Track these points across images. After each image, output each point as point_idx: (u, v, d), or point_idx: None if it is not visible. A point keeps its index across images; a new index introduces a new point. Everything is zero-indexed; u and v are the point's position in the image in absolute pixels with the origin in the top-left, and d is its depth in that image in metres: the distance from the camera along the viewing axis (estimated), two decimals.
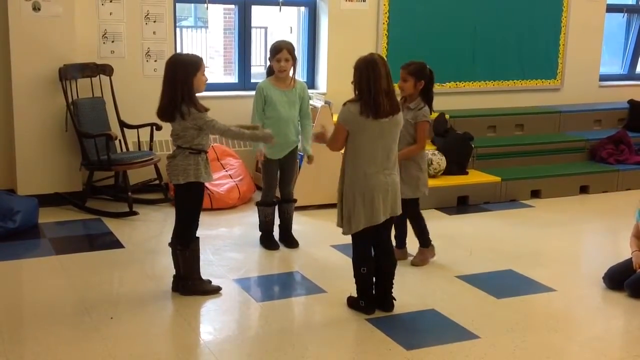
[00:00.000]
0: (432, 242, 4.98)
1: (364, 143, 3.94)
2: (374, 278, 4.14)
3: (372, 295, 4.15)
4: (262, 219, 5.23)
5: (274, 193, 5.20)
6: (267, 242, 5.21)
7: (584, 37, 8.22)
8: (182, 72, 4.06)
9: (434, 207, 6.28)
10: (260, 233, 5.27)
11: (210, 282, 4.44)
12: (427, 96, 4.72)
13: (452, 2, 7.51)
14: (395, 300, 4.19)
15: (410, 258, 4.99)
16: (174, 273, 4.37)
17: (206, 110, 4.14)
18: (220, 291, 4.38)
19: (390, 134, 3.99)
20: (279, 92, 4.99)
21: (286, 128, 5.02)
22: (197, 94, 4.14)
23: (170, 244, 4.34)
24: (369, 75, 3.87)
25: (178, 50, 6.92)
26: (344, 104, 3.99)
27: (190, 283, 4.32)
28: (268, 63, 5.11)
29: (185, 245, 4.28)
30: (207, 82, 4.23)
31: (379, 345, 3.78)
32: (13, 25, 5.76)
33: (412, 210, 4.83)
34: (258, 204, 5.23)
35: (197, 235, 4.34)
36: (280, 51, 4.91)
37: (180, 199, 4.29)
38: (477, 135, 7.07)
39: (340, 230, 4.13)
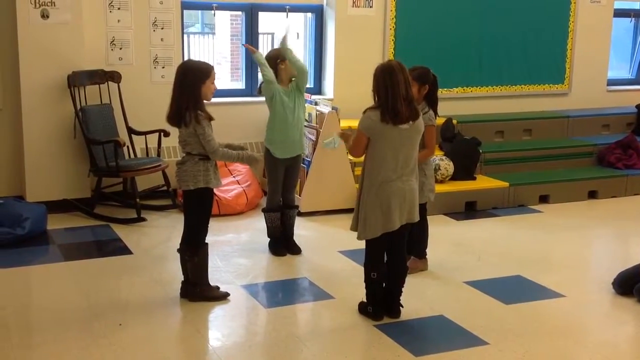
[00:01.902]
0: (427, 257, 4.96)
1: (384, 150, 3.95)
2: (384, 284, 4.14)
3: (381, 302, 4.14)
4: (269, 225, 5.24)
5: (279, 198, 5.22)
6: (275, 247, 5.22)
7: (592, 42, 8.20)
8: (191, 79, 4.08)
9: (441, 212, 6.27)
10: (269, 239, 5.28)
11: (218, 288, 4.44)
12: (431, 101, 4.71)
13: (459, 8, 7.51)
14: (402, 307, 4.18)
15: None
16: (183, 279, 4.38)
17: (210, 119, 4.15)
18: (229, 297, 4.39)
19: (410, 140, 4.00)
20: (284, 91, 5.06)
21: (292, 128, 5.07)
22: (205, 102, 4.16)
23: (179, 250, 4.35)
24: (386, 82, 3.90)
25: (185, 57, 6.94)
26: (364, 112, 4.01)
27: (198, 289, 4.32)
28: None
29: (194, 251, 4.28)
30: (216, 89, 4.25)
31: (388, 352, 3.77)
32: (22, 32, 5.79)
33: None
34: (264, 210, 5.25)
35: (206, 241, 4.34)
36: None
37: (190, 205, 4.29)
38: (485, 140, 7.06)
39: (348, 235, 4.14)
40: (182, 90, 4.08)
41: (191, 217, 4.30)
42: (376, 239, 4.03)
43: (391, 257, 4.14)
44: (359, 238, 4.11)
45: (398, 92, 3.88)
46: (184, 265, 4.34)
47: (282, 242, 5.25)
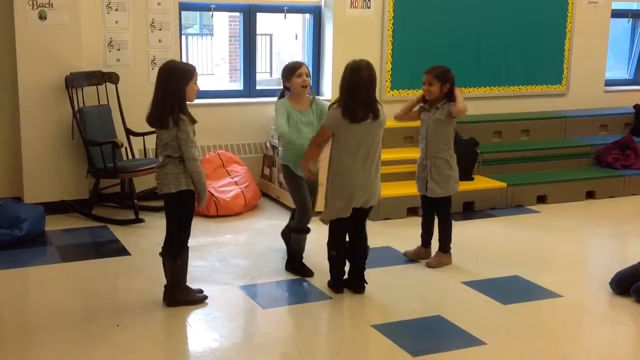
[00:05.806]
0: (451, 251, 5.07)
1: (347, 144, 4.23)
2: (345, 261, 4.49)
3: (341, 276, 4.50)
4: (295, 248, 4.81)
5: (310, 216, 4.75)
6: (301, 270, 4.84)
7: (589, 42, 8.21)
8: (175, 80, 4.03)
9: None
10: (286, 261, 4.92)
11: (200, 291, 4.39)
12: (449, 99, 4.89)
13: (457, 8, 7.52)
14: (366, 283, 4.47)
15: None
16: (165, 283, 4.29)
17: (194, 122, 4.07)
18: (206, 300, 4.31)
19: (370, 135, 4.25)
20: (297, 113, 4.70)
21: (304, 148, 4.65)
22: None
23: (161, 254, 4.26)
24: (350, 80, 4.13)
25: (184, 58, 6.94)
26: (328, 108, 4.32)
27: (177, 293, 4.25)
28: (275, 77, 5.04)
29: (176, 255, 4.19)
30: (199, 90, 4.17)
31: (385, 352, 3.77)
32: (19, 33, 5.79)
33: (442, 210, 5.04)
34: (292, 230, 4.79)
35: (188, 244, 4.26)
36: (300, 67, 4.69)
37: (173, 208, 4.19)
38: (483, 140, 7.06)
39: None
40: (165, 91, 4.02)
41: (174, 219, 4.20)
42: (338, 221, 4.36)
43: (353, 237, 4.46)
44: (321, 219, 4.43)
45: (357, 92, 4.10)
46: (166, 269, 4.25)
47: (305, 264, 4.87)
